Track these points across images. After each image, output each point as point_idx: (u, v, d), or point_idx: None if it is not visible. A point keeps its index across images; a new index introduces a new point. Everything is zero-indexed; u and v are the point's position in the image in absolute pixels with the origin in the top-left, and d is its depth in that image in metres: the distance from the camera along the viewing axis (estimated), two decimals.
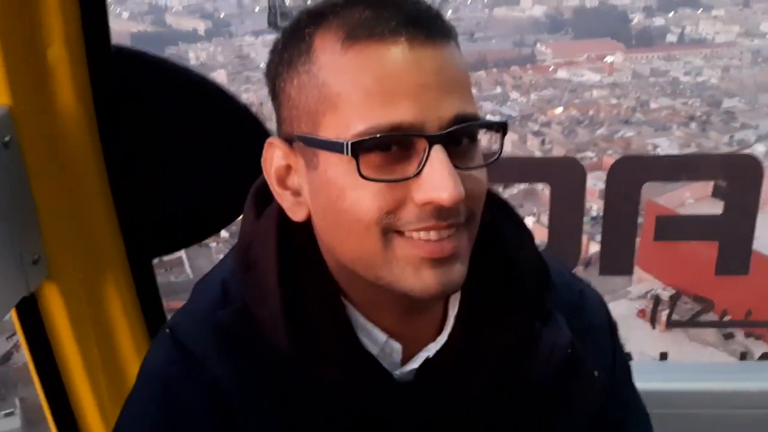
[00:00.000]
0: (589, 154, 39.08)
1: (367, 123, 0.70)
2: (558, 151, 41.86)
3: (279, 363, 0.79)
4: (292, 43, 0.77)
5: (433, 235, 0.73)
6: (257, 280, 0.81)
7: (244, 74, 78.65)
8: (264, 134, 1.15)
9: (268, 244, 0.81)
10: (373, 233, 0.73)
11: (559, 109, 55.62)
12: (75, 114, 0.96)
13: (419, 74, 0.70)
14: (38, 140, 0.94)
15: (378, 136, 0.70)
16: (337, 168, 0.73)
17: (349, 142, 0.70)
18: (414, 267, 0.74)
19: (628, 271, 3.42)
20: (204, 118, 1.12)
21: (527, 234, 0.90)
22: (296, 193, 0.80)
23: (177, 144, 1.11)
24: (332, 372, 0.80)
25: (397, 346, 0.84)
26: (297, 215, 0.80)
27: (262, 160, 0.81)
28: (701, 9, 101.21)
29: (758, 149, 26.85)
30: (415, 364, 0.85)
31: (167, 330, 0.85)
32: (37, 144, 0.94)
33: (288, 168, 0.80)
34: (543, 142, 45.17)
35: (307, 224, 0.81)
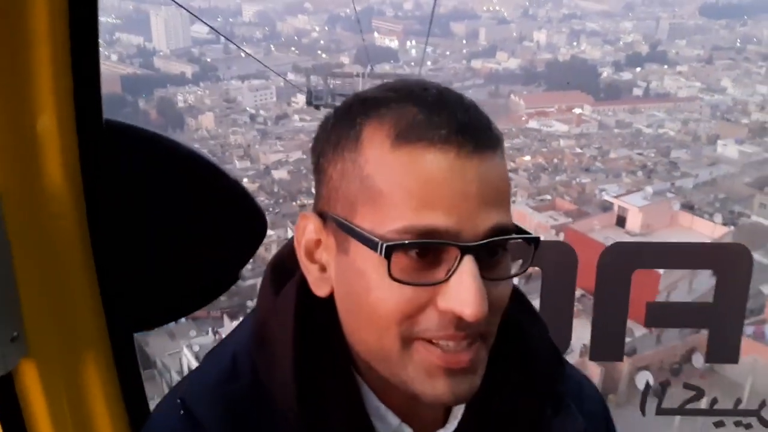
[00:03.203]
0: (548, 197, 45.67)
1: (405, 222, 0.72)
2: (521, 195, 48.43)
3: None
4: (341, 127, 0.80)
5: (451, 345, 0.75)
6: (272, 357, 0.83)
7: (231, 117, 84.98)
8: (254, 209, 1.20)
9: (285, 326, 0.82)
10: (392, 332, 0.76)
11: (527, 157, 62.65)
12: (62, 189, 0.95)
13: (462, 183, 0.73)
14: (23, 215, 0.93)
15: (413, 242, 0.73)
16: (367, 262, 0.75)
17: (384, 245, 0.72)
18: (429, 373, 0.76)
19: (618, 357, 3.45)
20: (193, 193, 1.14)
21: (540, 322, 0.95)
22: (323, 269, 0.83)
23: (164, 219, 1.12)
24: None
25: None
26: (321, 290, 0.83)
27: (294, 230, 0.85)
28: (667, 65, 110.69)
29: (648, 190, 33.46)
30: None
31: (178, 400, 0.86)
32: (21, 219, 0.92)
33: (318, 242, 0.83)
34: (510, 186, 51.76)
35: (329, 300, 0.84)
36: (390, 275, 0.73)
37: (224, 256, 1.17)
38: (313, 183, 0.86)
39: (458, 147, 0.74)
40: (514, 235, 0.77)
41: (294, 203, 49.12)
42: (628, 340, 3.54)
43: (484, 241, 0.74)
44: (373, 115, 0.78)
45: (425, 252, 0.74)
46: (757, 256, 33.28)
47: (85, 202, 1.01)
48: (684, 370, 17.38)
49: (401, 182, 0.74)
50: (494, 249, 0.76)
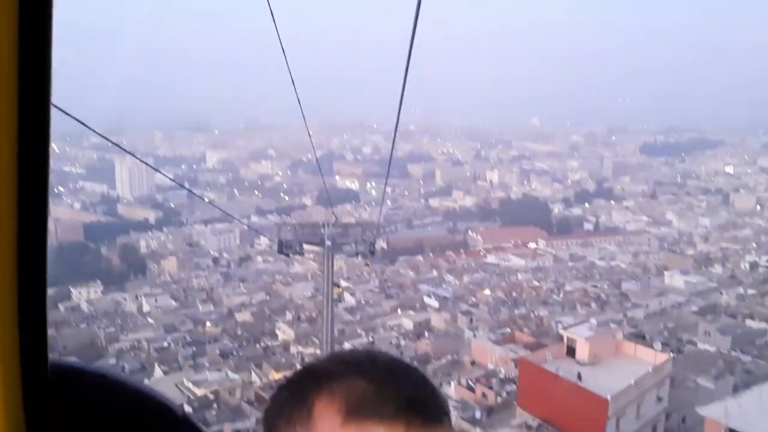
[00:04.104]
0: (507, 329, 47.39)
1: None
2: (483, 329, 50.02)
3: None
4: (293, 400, 0.81)
5: None
6: None
7: (194, 260, 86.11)
8: None
9: None
10: None
11: (487, 291, 64.99)
12: None
13: None
14: None
15: None
16: None
17: None
18: None
19: None
20: (141, 430, 1.14)
21: None
22: None
23: None
24: None
25: None
26: None
27: None
28: (613, 200, 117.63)
29: (593, 321, 35.62)
30: None
31: None
32: None
33: None
34: (471, 321, 53.58)
35: None
36: None
37: None
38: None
39: (407, 424, 0.75)
40: None
41: (258, 345, 49.79)
42: None
43: None
44: (324, 390, 0.79)
45: None
46: (701, 380, 35.19)
47: None
48: None
49: None
50: None
